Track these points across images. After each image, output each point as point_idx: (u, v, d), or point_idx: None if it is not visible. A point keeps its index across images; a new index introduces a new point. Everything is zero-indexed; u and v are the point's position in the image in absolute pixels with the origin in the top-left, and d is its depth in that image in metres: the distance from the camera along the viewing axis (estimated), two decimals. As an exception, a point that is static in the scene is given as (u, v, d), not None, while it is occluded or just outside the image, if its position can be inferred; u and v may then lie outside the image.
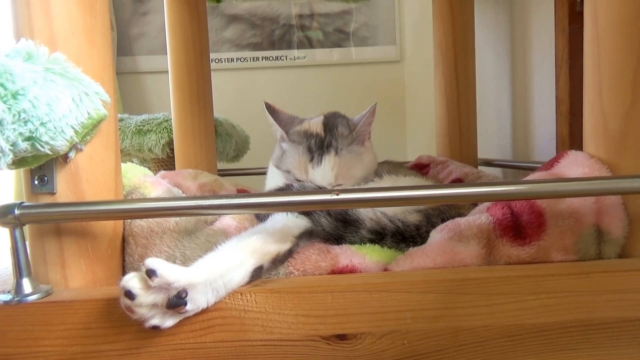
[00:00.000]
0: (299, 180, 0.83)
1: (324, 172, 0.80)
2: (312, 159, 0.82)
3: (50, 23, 0.50)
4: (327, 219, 0.59)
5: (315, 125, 0.87)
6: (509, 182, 0.58)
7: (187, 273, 0.44)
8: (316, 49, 2.06)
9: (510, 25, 1.27)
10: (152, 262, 0.43)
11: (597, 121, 0.57)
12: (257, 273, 0.50)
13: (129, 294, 0.43)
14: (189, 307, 0.45)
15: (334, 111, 0.96)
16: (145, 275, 0.43)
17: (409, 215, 0.64)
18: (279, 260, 0.52)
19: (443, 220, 0.60)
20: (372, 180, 0.84)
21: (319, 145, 0.83)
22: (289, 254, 0.53)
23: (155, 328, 0.45)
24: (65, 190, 0.52)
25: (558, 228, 0.53)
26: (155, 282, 0.43)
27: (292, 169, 0.84)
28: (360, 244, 0.58)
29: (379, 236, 0.59)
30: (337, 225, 0.59)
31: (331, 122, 0.87)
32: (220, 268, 0.47)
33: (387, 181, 0.81)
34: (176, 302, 0.44)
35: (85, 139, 0.52)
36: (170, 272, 0.43)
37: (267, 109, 0.90)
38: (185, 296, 0.44)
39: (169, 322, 0.45)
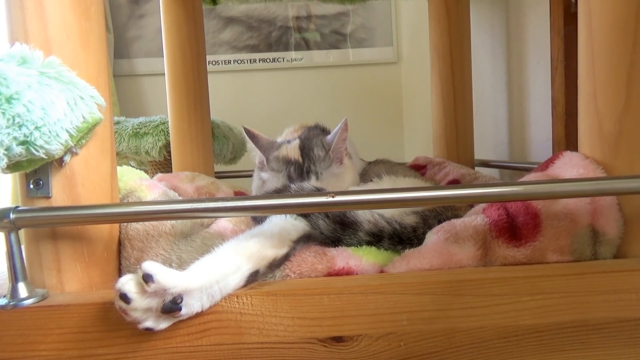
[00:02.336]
0: None
1: None
2: None
3: (44, 27, 0.50)
4: (325, 221, 0.59)
5: (292, 150, 0.87)
6: (504, 183, 0.58)
7: (183, 279, 0.44)
8: (313, 51, 2.06)
9: (506, 27, 1.28)
10: (149, 267, 0.43)
11: (591, 122, 0.57)
12: (253, 277, 0.50)
13: (125, 298, 0.43)
14: (183, 312, 0.45)
15: (309, 126, 0.96)
16: (141, 279, 0.43)
17: (406, 217, 0.64)
18: (276, 264, 0.52)
19: (440, 222, 0.60)
20: (372, 181, 0.84)
21: (299, 172, 0.84)
22: (285, 258, 0.53)
23: (148, 330, 0.45)
24: (61, 194, 0.52)
25: (553, 229, 0.54)
26: (152, 287, 0.42)
27: None
28: (357, 246, 0.58)
29: (376, 238, 0.59)
30: (335, 227, 0.59)
31: (307, 144, 0.87)
32: (216, 274, 0.47)
33: (386, 182, 0.81)
34: (171, 307, 0.44)
35: (81, 143, 0.52)
36: (168, 278, 0.43)
37: (246, 134, 0.89)
38: (181, 302, 0.44)
39: (162, 324, 0.45)
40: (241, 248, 0.51)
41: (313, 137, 0.90)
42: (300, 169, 0.84)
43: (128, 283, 0.43)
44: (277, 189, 0.79)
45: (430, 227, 0.59)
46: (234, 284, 0.48)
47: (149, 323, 0.44)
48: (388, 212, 0.63)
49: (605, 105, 0.55)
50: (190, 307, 0.45)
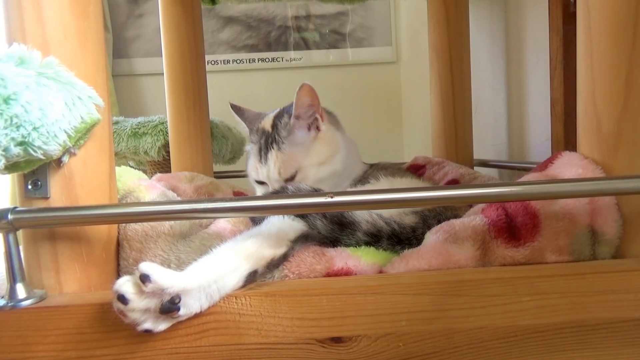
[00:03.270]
0: (258, 182, 0.87)
1: (268, 169, 0.84)
2: (260, 159, 0.85)
3: (42, 27, 0.50)
4: (323, 221, 0.59)
5: (268, 120, 0.88)
6: (503, 183, 0.58)
7: (181, 278, 0.44)
8: (312, 50, 2.06)
9: (505, 27, 1.28)
10: (146, 267, 0.43)
11: (590, 122, 0.57)
12: (252, 277, 0.50)
13: (122, 299, 0.43)
14: (181, 312, 0.45)
15: None
16: (138, 280, 0.43)
17: (405, 217, 0.64)
18: (274, 264, 0.52)
19: (439, 222, 0.60)
20: (369, 182, 0.84)
21: (266, 143, 0.85)
22: (284, 258, 0.53)
23: (148, 332, 0.45)
24: (59, 194, 0.52)
25: (552, 229, 0.54)
26: (149, 287, 0.42)
27: (250, 172, 0.87)
28: (356, 247, 0.58)
29: (375, 238, 0.59)
30: (333, 227, 0.59)
31: (281, 112, 0.88)
32: (214, 273, 0.47)
33: (383, 183, 0.81)
34: (169, 307, 0.44)
35: (79, 143, 0.51)
36: (164, 278, 0.43)
37: (232, 109, 0.92)
38: (179, 302, 0.44)
39: (161, 326, 0.45)
40: (239, 248, 0.51)
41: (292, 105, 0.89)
42: (267, 139, 0.85)
43: (125, 284, 0.43)
44: (276, 190, 0.79)
45: (429, 227, 0.59)
46: (232, 283, 0.48)
47: (147, 324, 0.44)
48: (387, 212, 0.63)
49: (604, 105, 0.55)
50: (188, 307, 0.45)
